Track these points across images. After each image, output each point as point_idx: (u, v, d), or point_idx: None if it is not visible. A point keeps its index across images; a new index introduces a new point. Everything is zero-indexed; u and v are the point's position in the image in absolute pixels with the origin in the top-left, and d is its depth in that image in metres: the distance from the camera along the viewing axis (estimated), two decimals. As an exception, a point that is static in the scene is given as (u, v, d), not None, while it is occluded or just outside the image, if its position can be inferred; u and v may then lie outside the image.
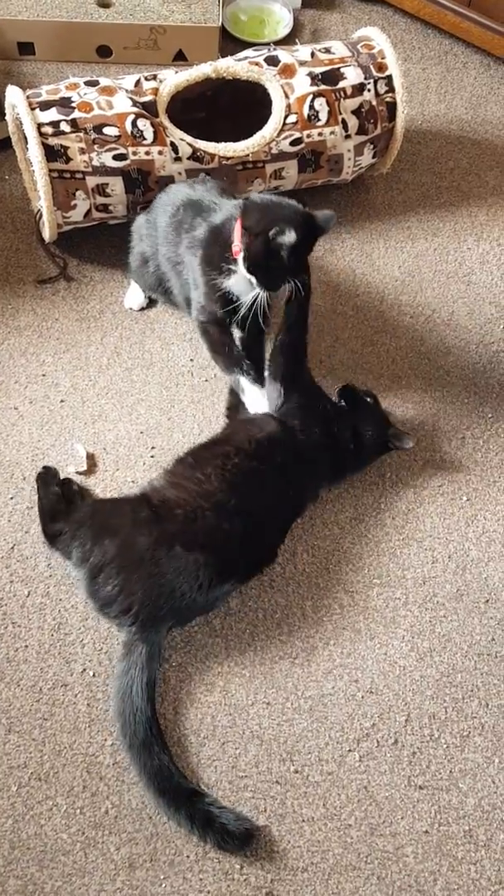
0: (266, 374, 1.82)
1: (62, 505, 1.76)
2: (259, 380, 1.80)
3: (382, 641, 1.70)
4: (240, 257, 1.69)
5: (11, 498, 1.81)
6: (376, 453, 1.88)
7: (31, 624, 1.67)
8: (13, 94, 2.01)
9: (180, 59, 2.60)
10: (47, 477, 1.81)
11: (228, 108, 2.27)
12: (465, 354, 2.12)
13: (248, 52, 2.18)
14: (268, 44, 2.37)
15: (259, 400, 1.80)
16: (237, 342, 1.83)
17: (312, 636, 1.69)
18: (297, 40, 2.50)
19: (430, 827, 1.52)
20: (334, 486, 1.87)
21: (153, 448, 1.90)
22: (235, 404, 1.88)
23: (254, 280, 1.70)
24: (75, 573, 1.66)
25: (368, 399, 1.89)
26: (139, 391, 1.99)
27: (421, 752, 1.59)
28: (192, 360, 2.04)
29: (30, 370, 2.00)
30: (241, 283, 1.74)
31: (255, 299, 1.72)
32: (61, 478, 1.82)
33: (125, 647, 1.59)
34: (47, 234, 2.08)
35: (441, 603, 1.75)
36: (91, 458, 1.88)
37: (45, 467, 1.82)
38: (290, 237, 1.63)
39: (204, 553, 1.59)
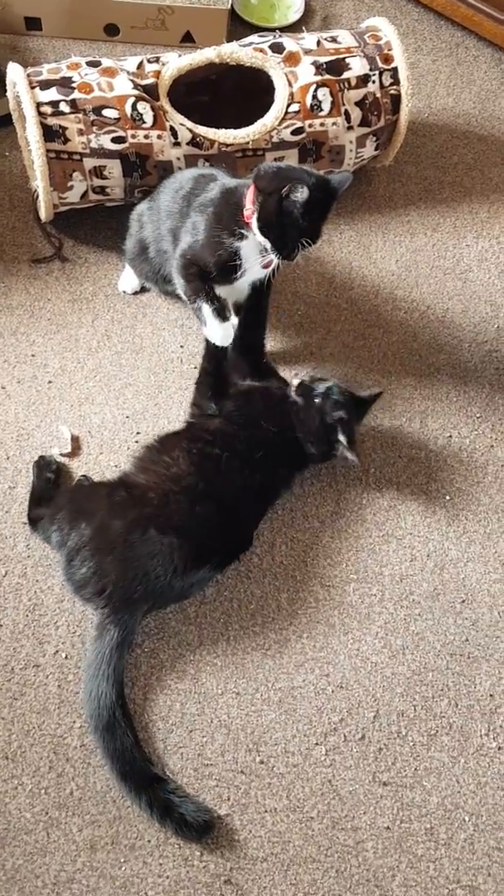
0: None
1: (49, 491, 1.77)
2: (222, 314, 1.78)
3: (356, 637, 1.71)
4: (253, 219, 1.67)
5: (-6, 477, 1.82)
6: (326, 456, 1.82)
7: (7, 604, 1.68)
8: (14, 72, 2.00)
9: (188, 40, 2.58)
10: (41, 464, 1.82)
11: (233, 93, 2.25)
12: (457, 352, 2.11)
13: (254, 38, 2.16)
14: (274, 29, 2.34)
15: (217, 331, 1.77)
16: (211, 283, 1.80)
17: (286, 628, 1.70)
18: (303, 28, 2.47)
19: (391, 823, 1.53)
20: (301, 472, 1.85)
21: (138, 433, 1.90)
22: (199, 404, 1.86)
23: (268, 244, 1.68)
24: (56, 556, 1.67)
25: (319, 400, 1.78)
26: (127, 375, 1.99)
27: (387, 749, 1.60)
28: (182, 346, 2.04)
29: (19, 350, 2.00)
30: (252, 250, 1.73)
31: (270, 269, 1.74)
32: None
33: (97, 629, 1.60)
34: (43, 213, 2.08)
35: (417, 601, 1.76)
36: (76, 441, 1.88)
37: (41, 456, 1.83)
38: (302, 194, 1.61)
39: (178, 536, 1.59)
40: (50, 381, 1.96)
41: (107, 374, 1.99)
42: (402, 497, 1.88)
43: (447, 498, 1.89)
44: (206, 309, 1.77)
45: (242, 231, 1.71)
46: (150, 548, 1.59)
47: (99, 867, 1.45)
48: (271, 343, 2.07)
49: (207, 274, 1.77)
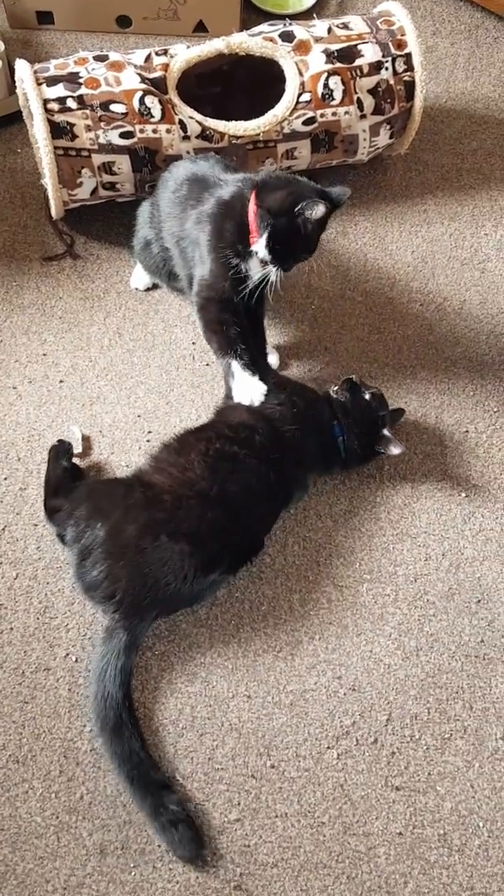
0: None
1: (67, 481, 1.76)
2: (252, 367, 1.74)
3: (369, 638, 1.68)
4: (260, 240, 1.65)
5: (5, 479, 1.81)
6: (365, 455, 1.81)
7: (18, 606, 1.68)
8: (21, 69, 1.98)
9: (201, 30, 2.54)
10: (60, 450, 1.81)
11: (245, 83, 2.22)
12: (475, 345, 2.06)
13: (264, 27, 2.12)
14: (285, 17, 2.30)
15: (248, 388, 1.73)
16: (235, 326, 1.77)
17: (298, 630, 1.68)
18: (314, 15, 2.42)
19: (404, 829, 1.51)
20: (324, 476, 1.84)
21: (149, 432, 1.89)
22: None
23: (269, 258, 1.67)
24: (67, 552, 1.66)
25: (368, 396, 1.80)
26: (139, 374, 1.97)
27: (400, 753, 1.57)
28: (194, 343, 2.02)
29: (31, 349, 1.99)
30: (255, 263, 1.71)
31: (266, 279, 1.68)
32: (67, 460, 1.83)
33: (106, 632, 1.59)
34: (54, 211, 2.06)
35: (431, 601, 1.73)
36: (86, 441, 1.87)
37: (59, 440, 1.82)
38: (319, 211, 1.62)
39: (189, 543, 1.58)
40: (61, 381, 1.95)
41: (118, 373, 1.97)
42: (417, 495, 1.85)
43: (463, 495, 1.85)
44: (236, 364, 1.73)
45: (249, 250, 1.69)
46: (161, 554, 1.57)
47: (109, 872, 1.45)
48: (285, 337, 2.04)
49: (225, 301, 1.73)
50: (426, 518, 1.82)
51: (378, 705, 1.62)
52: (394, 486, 1.86)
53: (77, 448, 1.85)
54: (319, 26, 2.11)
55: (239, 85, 2.23)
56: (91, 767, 1.53)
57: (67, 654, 1.63)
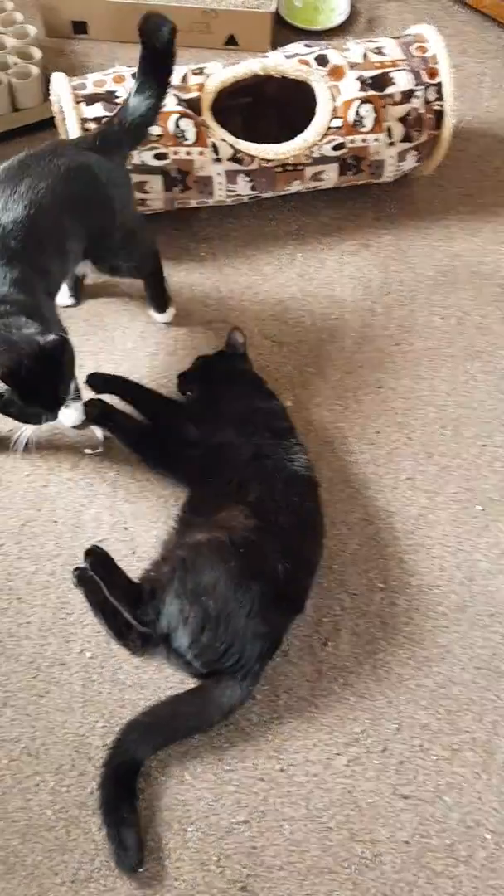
0: None
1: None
2: None
3: (380, 647, 1.69)
4: None
5: (27, 475, 1.84)
6: None
7: (35, 601, 1.70)
8: (59, 84, 2.02)
9: (231, 44, 2.59)
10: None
11: (275, 96, 2.25)
12: (494, 360, 2.08)
13: (299, 49, 2.15)
14: (314, 33, 2.34)
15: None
16: None
17: (310, 636, 1.69)
18: (346, 39, 2.46)
19: (410, 838, 1.51)
20: None
21: (170, 436, 1.91)
22: None
23: None
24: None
25: None
26: (161, 377, 2.00)
27: (409, 762, 1.58)
28: (215, 349, 2.04)
29: (56, 351, 2.02)
30: None
31: None
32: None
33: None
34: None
35: (444, 613, 1.74)
36: (109, 441, 1.89)
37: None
38: None
39: None
40: (85, 382, 1.98)
41: (141, 376, 1.99)
42: (433, 506, 1.86)
43: (479, 508, 1.87)
44: None
45: None
46: None
47: (117, 867, 1.46)
48: (307, 347, 2.06)
49: None
50: (441, 529, 1.83)
51: (388, 714, 1.62)
52: (409, 497, 1.87)
53: (99, 448, 1.88)
54: (354, 50, 2.13)
55: (269, 98, 2.26)
56: (103, 763, 1.54)
57: (83, 650, 1.65)
